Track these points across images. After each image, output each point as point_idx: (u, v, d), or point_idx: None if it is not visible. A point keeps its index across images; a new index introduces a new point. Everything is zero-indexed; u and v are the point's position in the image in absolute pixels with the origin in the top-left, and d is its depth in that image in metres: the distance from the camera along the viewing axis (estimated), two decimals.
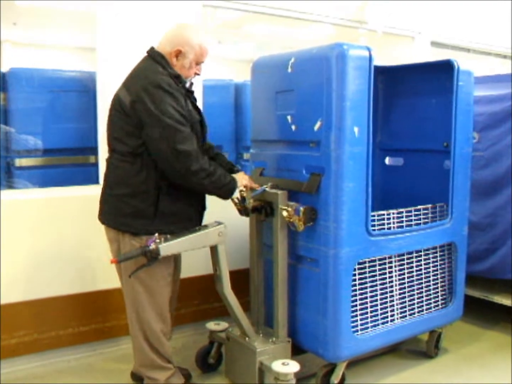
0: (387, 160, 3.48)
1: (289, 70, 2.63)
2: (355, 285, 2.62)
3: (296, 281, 2.70)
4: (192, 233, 2.42)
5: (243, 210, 2.71)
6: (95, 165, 3.32)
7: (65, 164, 3.71)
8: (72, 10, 6.44)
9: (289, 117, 2.65)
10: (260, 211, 2.64)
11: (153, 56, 2.44)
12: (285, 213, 2.51)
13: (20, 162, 3.57)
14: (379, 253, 2.66)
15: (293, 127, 2.64)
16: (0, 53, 8.56)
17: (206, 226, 2.51)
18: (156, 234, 2.32)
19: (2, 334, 2.88)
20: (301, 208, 2.48)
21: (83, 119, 3.55)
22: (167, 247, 2.31)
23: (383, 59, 3.08)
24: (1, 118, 3.45)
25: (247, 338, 2.64)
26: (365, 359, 2.99)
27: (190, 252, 2.47)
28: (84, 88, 3.58)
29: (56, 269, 3.01)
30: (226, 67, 8.57)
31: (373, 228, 2.65)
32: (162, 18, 3.18)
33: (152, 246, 2.27)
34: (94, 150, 3.38)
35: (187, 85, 2.50)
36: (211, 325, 2.90)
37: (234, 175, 2.52)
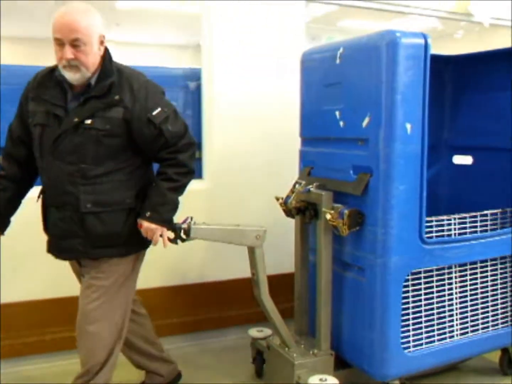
0: (454, 159, 3.18)
1: (337, 61, 2.43)
2: (407, 297, 2.38)
3: (342, 290, 2.50)
4: (228, 226, 2.33)
5: (288, 211, 2.55)
6: (199, 160, 3.36)
7: None
8: (171, 10, 6.82)
9: (337, 113, 2.45)
10: (304, 212, 2.47)
11: None
12: (328, 216, 2.32)
13: None
14: (434, 262, 2.40)
15: (341, 123, 2.44)
16: None
17: (248, 226, 2.38)
18: (191, 216, 2.27)
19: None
20: (346, 211, 2.28)
21: (187, 115, 3.63)
22: (198, 230, 2.25)
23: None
24: None
25: (286, 348, 2.48)
26: (425, 376, 2.73)
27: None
28: (188, 85, 3.70)
29: None
30: None
31: (430, 235, 2.40)
32: (266, 16, 3.20)
33: (184, 225, 2.24)
34: (197, 145, 3.45)
35: (68, 76, 2.04)
36: (254, 332, 2.77)
37: None
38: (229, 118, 3.18)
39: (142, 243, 2.23)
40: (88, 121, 2.05)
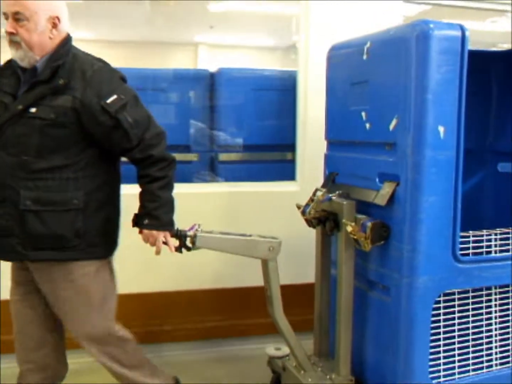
0: (500, 167, 2.87)
1: (365, 57, 2.19)
2: (438, 320, 2.12)
3: (366, 310, 2.27)
4: (238, 236, 2.15)
5: (308, 221, 2.34)
6: (291, 161, 3.43)
7: (263, 160, 3.81)
8: (262, 12, 6.96)
9: (363, 114, 2.22)
10: (324, 223, 2.25)
11: None
12: (349, 228, 2.09)
13: (222, 157, 3.76)
14: (470, 283, 2.13)
15: (367, 126, 2.20)
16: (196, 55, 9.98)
17: (261, 236, 2.19)
18: (198, 223, 2.12)
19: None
20: (369, 224, 2.05)
21: (282, 117, 3.63)
22: (205, 239, 2.09)
23: None
24: (205, 116, 3.70)
25: (302, 371, 2.26)
26: None
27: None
28: (283, 87, 3.67)
29: None
30: None
31: (466, 252, 2.13)
32: (363, 16, 3.13)
33: (190, 233, 2.08)
34: (291, 147, 3.45)
35: (12, 54, 1.95)
36: (271, 350, 2.56)
37: None
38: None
39: (104, 249, 2.07)
40: (33, 110, 1.89)
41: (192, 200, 2.97)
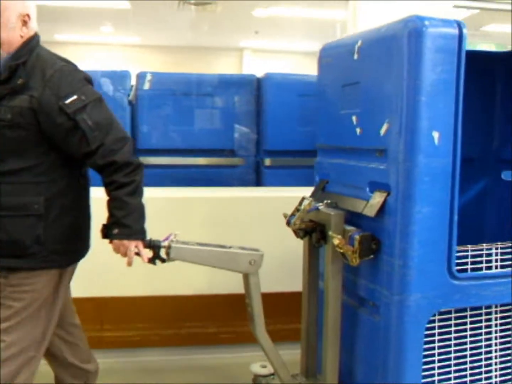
0: (504, 175, 2.71)
1: (355, 56, 2.04)
2: (432, 341, 1.96)
3: (356, 329, 2.11)
4: (217, 247, 2.01)
5: (295, 232, 2.19)
6: None
7: (308, 166, 3.83)
8: (307, 17, 7.14)
9: (354, 118, 2.07)
10: (311, 234, 2.10)
11: None
12: (336, 241, 1.94)
13: (267, 162, 3.87)
14: (467, 302, 1.96)
15: (357, 130, 2.05)
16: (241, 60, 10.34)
17: (242, 248, 2.05)
18: (175, 233, 2.01)
19: None
20: (357, 236, 1.89)
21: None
22: (180, 250, 1.96)
23: None
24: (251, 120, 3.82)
25: None
26: None
27: None
28: None
29: None
30: None
31: (464, 267, 1.97)
32: None
33: (165, 243, 1.96)
34: None
35: None
36: (256, 367, 2.41)
37: None
38: None
39: (64, 258, 1.95)
40: None
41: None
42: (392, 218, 1.86)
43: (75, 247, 2.01)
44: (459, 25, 1.81)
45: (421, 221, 1.83)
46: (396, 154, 1.83)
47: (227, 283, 2.83)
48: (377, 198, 1.90)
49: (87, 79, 1.95)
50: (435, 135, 1.81)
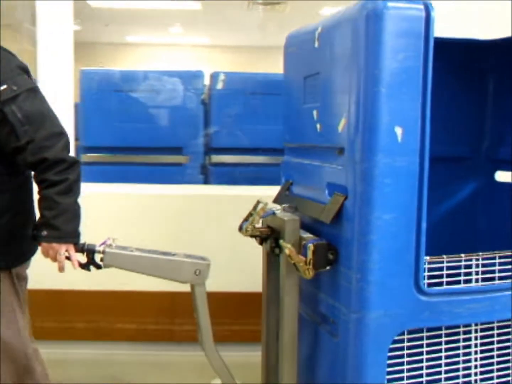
0: (497, 175, 2.46)
1: (316, 44, 1.83)
2: (398, 363, 1.73)
3: (317, 348, 1.90)
4: (159, 254, 1.83)
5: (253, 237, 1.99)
6: None
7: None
8: None
9: (314, 112, 1.86)
10: (266, 242, 1.89)
11: None
12: (287, 251, 1.72)
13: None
14: (437, 321, 1.73)
15: (318, 127, 1.84)
16: None
17: (188, 256, 1.86)
18: (112, 238, 1.85)
19: None
20: (310, 245, 1.68)
21: None
22: (115, 256, 1.79)
23: None
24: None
25: None
26: None
27: None
28: None
29: None
30: None
31: (438, 280, 1.74)
32: (470, 17, 2.93)
33: (100, 248, 1.81)
34: None
35: None
36: (216, 382, 2.22)
37: None
38: None
39: (6, 259, 1.82)
40: None
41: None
42: (349, 225, 1.65)
43: (16, 248, 1.87)
44: (427, 6, 1.58)
45: (381, 228, 1.61)
46: (353, 153, 1.62)
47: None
48: (334, 202, 1.69)
49: (22, 68, 1.79)
50: (398, 131, 1.59)
